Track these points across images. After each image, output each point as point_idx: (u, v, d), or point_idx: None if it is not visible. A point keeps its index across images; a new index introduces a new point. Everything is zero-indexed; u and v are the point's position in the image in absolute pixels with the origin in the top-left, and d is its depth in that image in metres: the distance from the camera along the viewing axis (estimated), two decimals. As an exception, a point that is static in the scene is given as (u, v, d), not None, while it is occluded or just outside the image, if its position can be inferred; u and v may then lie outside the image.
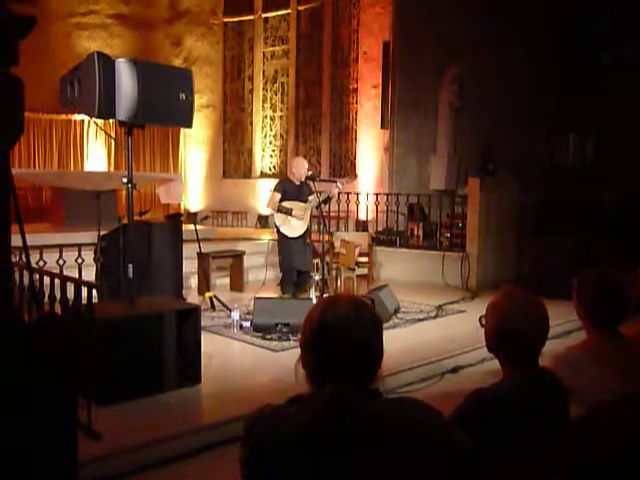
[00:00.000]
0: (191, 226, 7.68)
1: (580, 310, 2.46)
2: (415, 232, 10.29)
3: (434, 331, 6.39)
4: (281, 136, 13.64)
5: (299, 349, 1.55)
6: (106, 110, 3.91)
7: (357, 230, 10.66)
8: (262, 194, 12.98)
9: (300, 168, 7.18)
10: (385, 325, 6.38)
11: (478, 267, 8.89)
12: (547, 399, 1.93)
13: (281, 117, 13.63)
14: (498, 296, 2.08)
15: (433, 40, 11.19)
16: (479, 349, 5.11)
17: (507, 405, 1.86)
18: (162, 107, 4.09)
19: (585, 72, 13.39)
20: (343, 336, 1.48)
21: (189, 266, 7.62)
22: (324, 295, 6.46)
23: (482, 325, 2.09)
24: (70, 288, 3.85)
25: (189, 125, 4.37)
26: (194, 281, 8.15)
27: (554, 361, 2.35)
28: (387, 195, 10.44)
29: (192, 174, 14.27)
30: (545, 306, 2.05)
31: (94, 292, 3.85)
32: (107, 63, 3.94)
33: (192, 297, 7.49)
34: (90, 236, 6.79)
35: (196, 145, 14.28)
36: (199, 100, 13.29)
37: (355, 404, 1.45)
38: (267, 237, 9.83)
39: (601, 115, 12.69)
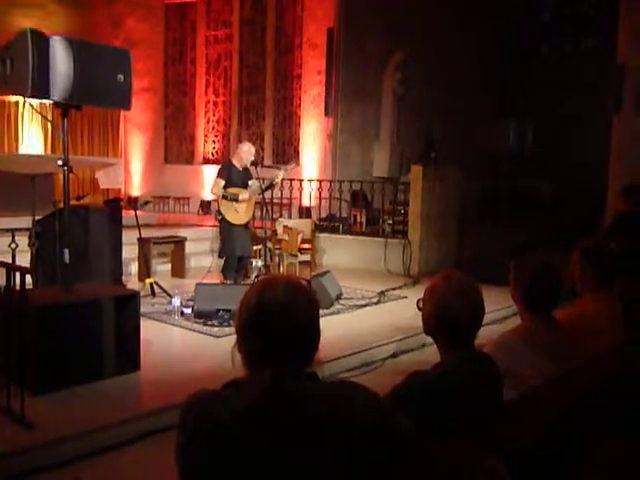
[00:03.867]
0: (132, 211, 7.51)
1: (515, 294, 2.52)
2: (358, 219, 10.35)
3: (376, 317, 6.45)
4: (224, 122, 13.47)
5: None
6: (40, 90, 3.76)
7: (300, 217, 10.66)
8: (205, 180, 12.82)
9: (246, 153, 7.09)
10: (327, 311, 6.41)
11: (420, 254, 9.01)
12: (482, 381, 1.97)
13: (224, 102, 13.46)
14: (436, 280, 2.11)
15: (378, 28, 11.24)
16: (419, 334, 5.18)
17: (444, 387, 1.89)
18: (99, 88, 3.96)
19: (525, 64, 13.71)
20: (280, 319, 1.47)
21: (129, 252, 7.46)
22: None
23: (420, 309, 2.12)
24: (2, 273, 3.71)
25: (127, 107, 4.25)
26: (134, 267, 7.99)
27: (490, 345, 2.41)
28: (330, 182, 10.46)
29: (133, 159, 13.98)
30: (480, 289, 2.08)
31: (28, 278, 3.73)
32: (41, 40, 3.78)
33: (132, 283, 7.35)
34: (24, 221, 6.55)
35: (137, 129, 13.97)
36: (140, 83, 12.99)
37: (293, 387, 1.44)
38: (210, 223, 9.73)
39: (540, 106, 13.03)
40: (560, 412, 1.98)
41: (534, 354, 2.36)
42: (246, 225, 7.22)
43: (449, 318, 2.00)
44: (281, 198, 10.20)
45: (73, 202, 5.56)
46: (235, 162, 7.17)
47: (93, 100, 4.12)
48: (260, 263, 7.25)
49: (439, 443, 1.74)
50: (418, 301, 2.15)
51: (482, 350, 2.21)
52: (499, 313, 6.25)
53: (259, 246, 7.84)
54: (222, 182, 7.03)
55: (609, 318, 2.95)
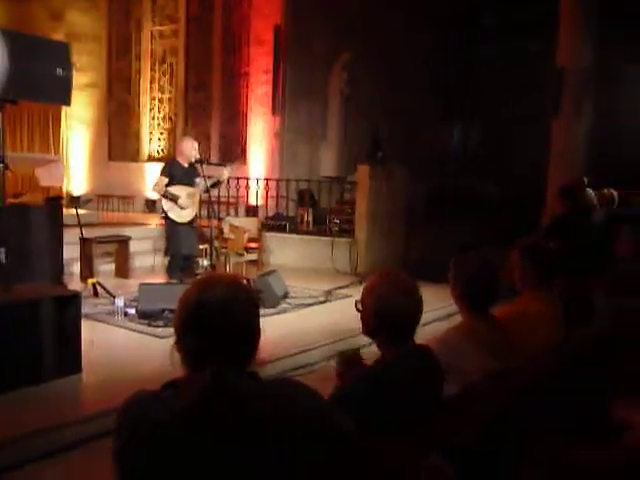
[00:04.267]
0: (73, 210, 7.33)
1: (455, 292, 2.56)
2: (305, 218, 10.35)
3: (322, 316, 6.47)
4: (170, 119, 13.27)
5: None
6: (-27, 83, 3.63)
7: (247, 215, 10.59)
8: (150, 178, 12.60)
9: (189, 148, 6.98)
10: (273, 310, 6.40)
11: (367, 253, 9.08)
12: (424, 376, 1.99)
13: (170, 99, 13.26)
14: (373, 279, 2.12)
15: (325, 27, 11.26)
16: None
17: (385, 384, 1.90)
18: (36, 82, 3.84)
19: (469, 66, 13.96)
20: (220, 317, 1.45)
21: (71, 251, 7.27)
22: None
23: (358, 310, 2.12)
24: None
25: (67, 102, 4.15)
26: (77, 267, 7.79)
27: (433, 342, 2.44)
28: (277, 181, 10.43)
29: (75, 156, 13.62)
30: (418, 286, 2.10)
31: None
32: (-27, 32, 3.65)
33: (74, 284, 7.15)
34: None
35: (79, 126, 13.62)
36: (82, 78, 12.67)
37: (233, 386, 1.43)
38: (155, 222, 9.57)
39: (485, 107, 13.30)
40: (498, 408, 2.02)
41: (475, 351, 2.40)
42: (192, 223, 7.12)
43: (390, 315, 2.01)
44: (228, 197, 10.11)
45: (11, 200, 5.39)
46: (179, 159, 7.05)
47: (30, 95, 4.00)
48: (206, 262, 7.17)
49: (380, 442, 1.75)
50: (356, 302, 2.15)
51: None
52: (444, 310, 6.34)
53: (205, 245, 7.76)
54: (165, 180, 6.91)
55: (549, 316, 3.02)
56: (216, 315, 1.46)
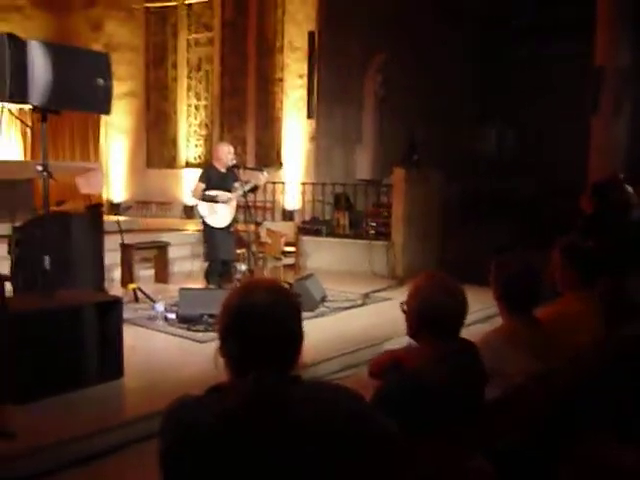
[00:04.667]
0: (113, 217, 7.46)
1: (496, 294, 2.54)
2: (341, 221, 10.34)
3: (360, 319, 6.46)
4: (206, 125, 13.41)
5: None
6: (17, 94, 3.73)
7: (284, 220, 10.64)
8: (187, 184, 12.75)
9: (225, 153, 7.05)
10: (311, 314, 6.40)
11: (403, 255, 9.04)
12: (467, 377, 1.98)
13: (206, 106, 13.40)
14: (419, 280, 2.12)
15: (359, 30, 11.26)
16: (404, 336, 5.19)
17: (428, 385, 1.89)
18: (78, 92, 3.93)
19: (505, 67, 13.81)
20: (262, 322, 1.46)
21: (112, 258, 7.40)
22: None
23: (404, 311, 2.12)
24: (-19, 281, 3.67)
25: (107, 112, 4.23)
26: (117, 273, 7.93)
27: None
28: (313, 185, 10.45)
29: (114, 164, 13.86)
30: (463, 288, 2.10)
31: (8, 285, 3.68)
32: (18, 45, 3.75)
33: (115, 289, 7.28)
34: (4, 228, 6.48)
35: (118, 134, 13.87)
36: (121, 88, 12.88)
37: (277, 391, 1.44)
38: (193, 228, 9.67)
39: (521, 108, 13.14)
40: (543, 410, 1.99)
41: (517, 353, 2.37)
42: (229, 228, 7.18)
43: (434, 314, 2.01)
44: (264, 201, 10.17)
45: (53, 208, 5.51)
46: (216, 164, 7.13)
47: (72, 105, 4.09)
48: (244, 267, 7.23)
49: (424, 444, 1.74)
50: (402, 303, 2.15)
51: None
52: (483, 313, 6.27)
53: (243, 250, 7.82)
54: (202, 185, 6.99)
55: (590, 317, 2.96)
56: (258, 320, 1.47)
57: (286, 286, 1.64)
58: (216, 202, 6.94)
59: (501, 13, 13.55)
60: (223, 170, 7.06)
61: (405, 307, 2.13)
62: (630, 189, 6.10)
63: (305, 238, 9.77)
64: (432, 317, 2.02)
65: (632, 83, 9.48)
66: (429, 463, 1.65)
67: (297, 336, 1.53)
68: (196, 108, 13.54)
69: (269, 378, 1.43)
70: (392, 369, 2.03)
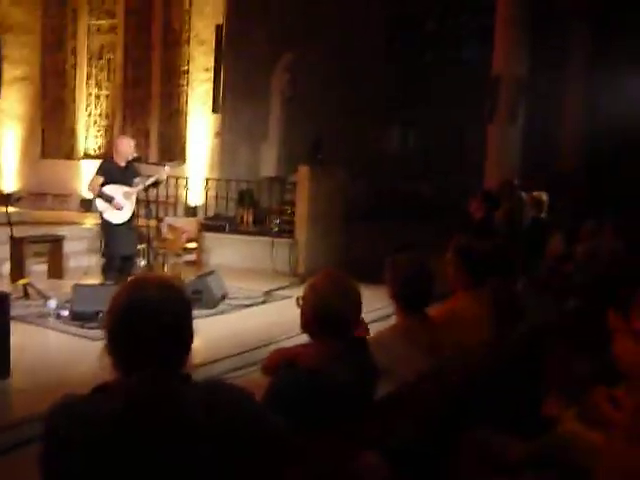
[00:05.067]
0: (2, 208, 7.07)
1: (391, 292, 2.60)
2: (245, 218, 10.29)
3: (261, 317, 6.44)
4: (107, 116, 12.96)
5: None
6: None
7: (187, 215, 10.46)
8: (86, 176, 12.28)
9: (125, 147, 6.81)
10: (212, 311, 6.34)
11: (306, 253, 9.09)
12: (358, 375, 2.01)
13: (107, 96, 12.94)
14: (316, 278, 2.15)
15: (267, 27, 11.23)
16: (303, 334, 5.22)
17: (321, 383, 1.91)
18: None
19: (411, 70, 14.20)
20: (150, 320, 1.42)
21: (1, 251, 7.03)
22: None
23: (299, 305, 2.14)
24: None
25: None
26: (6, 268, 7.52)
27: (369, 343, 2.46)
28: (217, 180, 10.33)
29: (5, 152, 13.14)
30: (359, 287, 2.13)
31: None
32: None
33: (4, 285, 6.90)
34: None
35: (10, 121, 13.14)
36: (13, 71, 12.26)
37: (163, 391, 1.40)
38: (91, 221, 9.32)
39: (424, 111, 13.56)
40: (435, 407, 2.06)
41: (410, 351, 2.44)
42: (130, 223, 6.96)
43: (328, 314, 2.03)
44: (167, 196, 9.95)
45: None
46: (116, 158, 6.88)
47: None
48: (143, 263, 7.04)
49: (317, 441, 1.75)
50: (298, 298, 2.17)
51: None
52: (384, 311, 6.40)
53: (142, 245, 7.61)
54: (100, 179, 6.72)
55: (480, 315, 3.09)
56: (146, 318, 1.43)
57: (177, 282, 1.60)
58: (110, 202, 6.65)
59: (408, 17, 13.93)
60: (123, 164, 6.83)
61: (300, 301, 2.15)
62: (524, 195, 6.44)
63: (208, 234, 9.64)
64: (325, 315, 2.04)
65: (526, 93, 9.98)
66: (322, 460, 1.66)
67: (188, 334, 1.49)
68: (97, 97, 13.05)
69: (157, 377, 1.39)
70: (285, 366, 2.03)
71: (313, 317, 2.10)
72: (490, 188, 6.11)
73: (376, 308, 6.18)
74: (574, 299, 4.21)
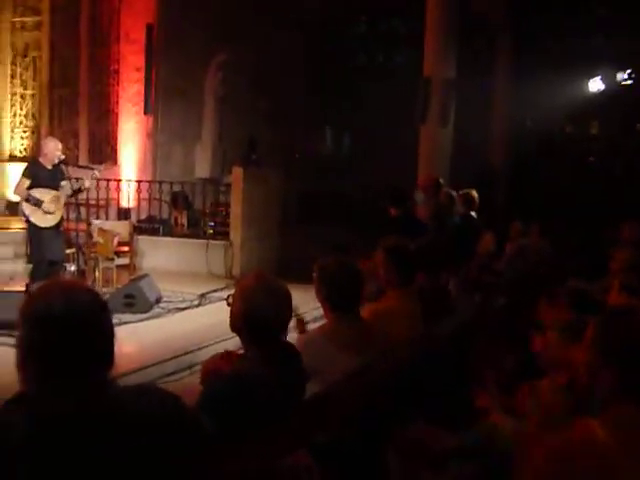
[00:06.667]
0: None
1: (320, 295, 2.62)
2: (179, 220, 10.15)
3: (196, 320, 6.38)
4: (33, 116, 12.54)
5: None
6: None
7: (119, 218, 10.22)
8: (11, 179, 11.84)
9: (52, 150, 6.61)
10: (146, 315, 6.24)
11: (242, 255, 9.04)
12: (286, 377, 2.03)
13: (33, 95, 12.52)
14: (245, 281, 2.15)
15: (200, 27, 11.12)
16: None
17: (247, 383, 1.92)
18: None
19: (344, 72, 14.33)
20: (55, 328, 1.37)
21: None
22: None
23: (228, 304, 2.14)
24: None
25: None
26: None
27: (297, 344, 2.48)
28: (150, 182, 10.16)
29: None
30: (288, 290, 2.14)
31: None
32: None
33: None
34: None
35: None
36: None
37: (88, 397, 1.37)
38: (17, 225, 9.00)
39: (358, 113, 13.71)
40: (359, 403, 2.09)
41: (338, 351, 2.47)
42: (58, 227, 6.76)
43: (254, 317, 2.03)
44: (97, 199, 9.72)
45: None
46: (42, 160, 6.68)
47: None
48: (73, 268, 6.85)
49: (245, 443, 1.75)
50: (228, 297, 2.17)
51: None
52: (318, 311, 6.43)
53: (72, 250, 7.40)
54: (27, 182, 6.51)
55: (409, 312, 3.16)
56: (50, 327, 1.37)
57: (88, 287, 1.56)
58: (39, 207, 6.45)
59: (340, 19, 14.04)
60: (49, 167, 6.62)
61: (230, 300, 2.15)
62: (453, 192, 6.59)
63: (141, 237, 9.45)
64: (253, 319, 2.05)
65: (456, 95, 10.21)
66: (249, 462, 1.66)
67: (101, 340, 1.43)
68: (22, 97, 12.60)
69: (67, 388, 1.35)
70: (214, 374, 2.03)
71: (242, 320, 2.10)
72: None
73: (309, 309, 6.21)
74: (503, 296, 4.35)
